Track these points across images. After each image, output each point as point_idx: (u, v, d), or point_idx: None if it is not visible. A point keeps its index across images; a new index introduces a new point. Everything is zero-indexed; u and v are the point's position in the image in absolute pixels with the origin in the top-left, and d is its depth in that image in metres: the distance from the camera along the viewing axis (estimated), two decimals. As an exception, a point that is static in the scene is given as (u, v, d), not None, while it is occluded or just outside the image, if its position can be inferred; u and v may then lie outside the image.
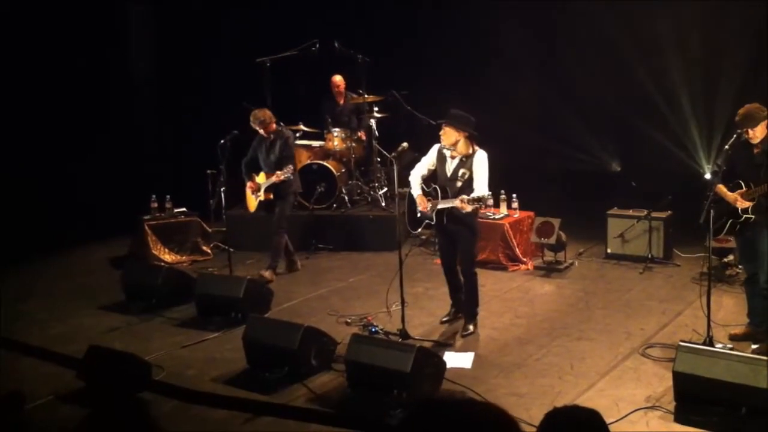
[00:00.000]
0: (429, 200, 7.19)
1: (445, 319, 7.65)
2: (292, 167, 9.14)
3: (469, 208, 6.84)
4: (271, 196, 9.23)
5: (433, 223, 7.23)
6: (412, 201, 7.41)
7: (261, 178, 9.29)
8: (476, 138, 7.11)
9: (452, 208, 6.97)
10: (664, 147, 10.69)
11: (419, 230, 7.61)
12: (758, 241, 6.57)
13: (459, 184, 7.03)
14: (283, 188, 9.21)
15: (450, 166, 7.14)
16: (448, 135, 7.04)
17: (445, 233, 7.39)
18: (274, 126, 9.31)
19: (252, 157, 9.43)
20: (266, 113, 9.24)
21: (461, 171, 7.05)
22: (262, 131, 9.23)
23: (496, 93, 11.35)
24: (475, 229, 7.33)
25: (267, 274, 9.27)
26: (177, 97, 12.27)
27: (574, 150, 11.44)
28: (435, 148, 7.28)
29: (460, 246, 7.28)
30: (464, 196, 6.75)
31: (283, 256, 9.50)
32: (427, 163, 7.31)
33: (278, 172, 9.03)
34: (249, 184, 9.38)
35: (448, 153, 7.15)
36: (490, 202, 6.93)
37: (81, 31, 11.31)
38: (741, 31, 10.01)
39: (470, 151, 7.05)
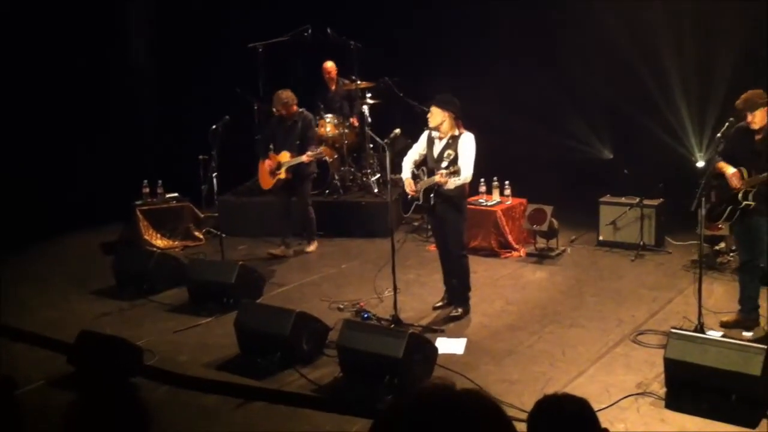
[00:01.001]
0: (416, 182, 7.30)
1: (438, 305, 7.67)
2: (320, 148, 9.36)
3: (451, 185, 6.96)
4: (290, 176, 9.33)
5: (420, 203, 7.33)
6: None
7: (283, 157, 9.33)
8: (461, 119, 7.22)
9: (439, 187, 7.08)
10: (656, 135, 10.69)
11: (410, 213, 7.72)
12: (758, 228, 6.58)
13: (444, 164, 7.12)
14: (302, 169, 9.36)
15: (437, 148, 7.28)
16: (434, 115, 7.19)
17: (434, 215, 7.49)
18: (295, 108, 9.43)
19: (268, 136, 9.61)
20: (289, 94, 9.38)
21: (447, 152, 7.17)
22: (284, 112, 9.34)
23: (489, 79, 11.32)
24: (462, 209, 7.39)
25: (311, 247, 9.74)
26: (169, 83, 12.21)
27: (567, 137, 11.43)
28: (425, 133, 7.42)
29: (448, 227, 7.36)
30: (443, 170, 6.89)
31: (284, 236, 9.67)
32: (418, 148, 7.45)
33: (309, 153, 9.13)
34: (267, 162, 9.48)
35: (436, 135, 7.28)
36: (463, 178, 7.00)
37: (75, 15, 11.23)
38: (735, 21, 10.00)
39: (456, 133, 7.18)
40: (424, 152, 7.39)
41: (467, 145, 7.13)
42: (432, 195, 7.22)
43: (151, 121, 12.51)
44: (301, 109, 9.55)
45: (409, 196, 7.41)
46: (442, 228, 7.46)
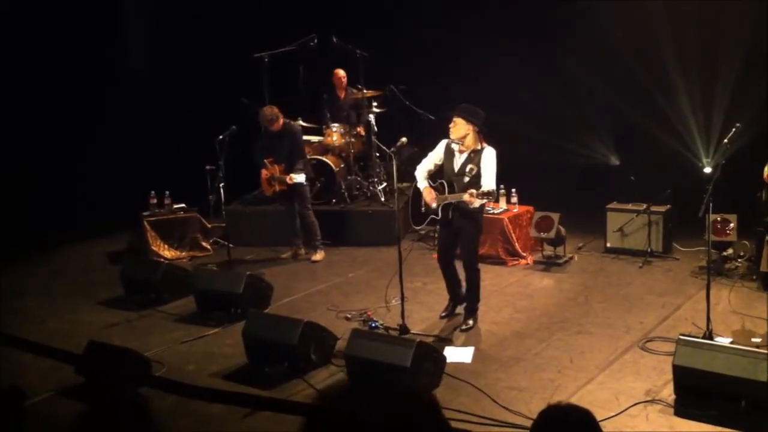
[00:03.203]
0: (436, 194, 7.16)
1: (443, 314, 7.62)
2: (302, 168, 9.43)
3: (477, 203, 6.83)
4: (285, 187, 9.47)
5: (438, 217, 7.16)
6: (416, 196, 7.37)
7: (274, 171, 9.50)
8: (485, 133, 7.07)
9: (459, 202, 6.94)
10: (663, 141, 10.69)
11: (423, 226, 7.57)
12: None
13: (466, 179, 6.98)
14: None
15: (458, 161, 7.10)
16: (459, 127, 7.00)
17: (449, 228, 7.28)
18: (282, 121, 9.48)
19: (264, 146, 9.70)
20: (273, 110, 9.44)
21: (469, 166, 7.01)
22: (271, 128, 9.42)
23: (495, 87, 11.32)
24: (479, 224, 7.31)
25: (317, 256, 9.75)
26: (176, 93, 12.25)
27: (574, 144, 11.43)
28: (443, 143, 7.23)
29: (464, 241, 7.26)
30: (473, 190, 6.71)
31: (295, 237, 9.88)
32: (434, 157, 7.26)
33: (291, 176, 9.25)
34: (263, 171, 9.61)
35: (456, 148, 7.10)
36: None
37: (79, 27, 11.30)
38: (739, 25, 10.00)
39: (479, 147, 7.02)
40: (440, 162, 7.20)
41: (490, 160, 6.96)
42: (451, 209, 7.07)
43: (158, 131, 12.55)
44: (287, 121, 9.62)
45: (423, 209, 7.24)
46: (455, 241, 7.32)
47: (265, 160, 9.58)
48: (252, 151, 9.75)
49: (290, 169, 9.38)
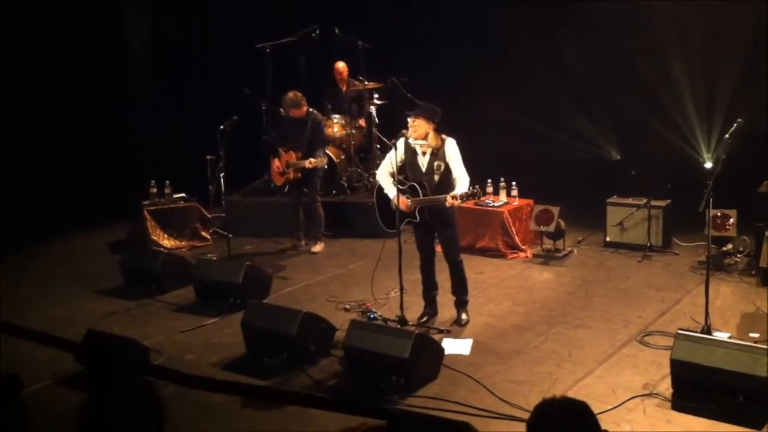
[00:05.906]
0: (407, 198, 6.97)
1: (423, 320, 7.32)
2: (324, 155, 9.48)
3: (458, 203, 6.76)
4: (299, 176, 9.51)
5: (417, 221, 7.04)
6: (382, 200, 7.17)
7: (291, 158, 9.50)
8: (442, 130, 6.96)
9: (435, 204, 6.85)
10: (663, 135, 10.68)
11: (402, 226, 7.29)
12: None
13: (437, 177, 6.90)
14: (310, 169, 9.47)
15: (423, 161, 6.99)
16: (420, 127, 6.87)
17: (425, 228, 7.18)
18: (305, 108, 9.50)
19: (279, 135, 9.73)
20: (297, 95, 9.48)
21: (436, 163, 6.91)
22: (296, 113, 9.43)
23: (496, 80, 11.33)
24: (455, 219, 7.24)
25: (317, 248, 9.77)
26: (177, 83, 12.25)
27: (574, 138, 11.43)
28: (400, 143, 7.03)
29: (446, 239, 7.20)
30: (455, 193, 6.66)
31: (297, 229, 9.92)
32: (393, 160, 7.00)
33: (312, 160, 9.25)
34: (276, 161, 9.64)
35: (418, 147, 6.98)
36: (467, 188, 6.78)
37: (77, 14, 11.28)
38: (741, 20, 9.99)
39: (440, 142, 6.93)
40: (401, 163, 6.97)
41: (455, 153, 6.89)
42: (425, 210, 6.95)
43: (159, 121, 12.54)
44: (311, 110, 9.64)
45: (394, 208, 6.97)
46: (432, 239, 7.27)
47: (280, 149, 9.60)
48: (263, 142, 9.76)
49: (309, 156, 9.34)
